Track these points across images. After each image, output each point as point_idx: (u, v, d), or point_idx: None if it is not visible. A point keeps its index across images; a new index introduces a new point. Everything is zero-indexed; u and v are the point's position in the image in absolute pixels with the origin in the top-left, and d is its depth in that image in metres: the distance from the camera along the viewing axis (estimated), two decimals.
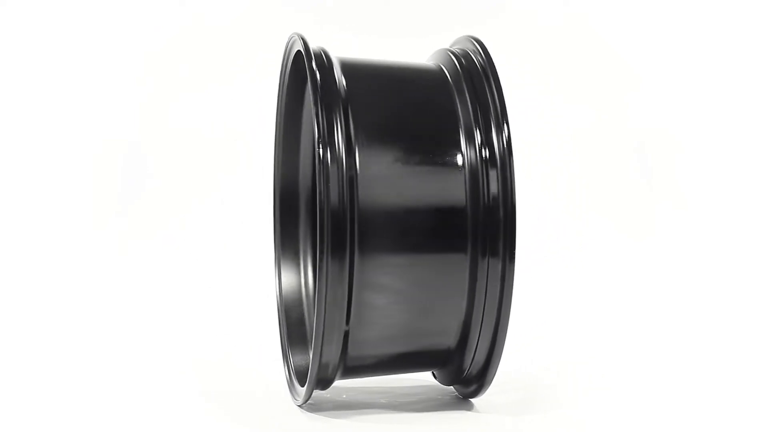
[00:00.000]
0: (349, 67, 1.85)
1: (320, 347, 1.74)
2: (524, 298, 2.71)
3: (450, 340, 1.81)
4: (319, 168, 1.70)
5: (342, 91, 1.79)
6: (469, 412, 1.91)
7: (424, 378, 2.04)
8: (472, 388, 1.89)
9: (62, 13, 3.17)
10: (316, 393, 1.98)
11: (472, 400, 1.93)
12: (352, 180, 1.72)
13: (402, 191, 1.74)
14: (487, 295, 1.74)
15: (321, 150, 1.71)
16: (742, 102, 3.15)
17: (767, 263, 2.96)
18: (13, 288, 2.86)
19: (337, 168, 1.71)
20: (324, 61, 1.83)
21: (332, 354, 1.78)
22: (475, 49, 1.84)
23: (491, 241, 1.72)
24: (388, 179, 1.74)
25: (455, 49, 1.90)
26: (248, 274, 2.75)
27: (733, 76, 3.16)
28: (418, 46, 2.06)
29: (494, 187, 1.73)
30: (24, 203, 3.08)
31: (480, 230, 1.72)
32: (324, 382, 1.86)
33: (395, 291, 1.75)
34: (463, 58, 1.85)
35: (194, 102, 3.08)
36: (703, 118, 3.16)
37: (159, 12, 3.19)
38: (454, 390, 1.98)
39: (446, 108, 1.77)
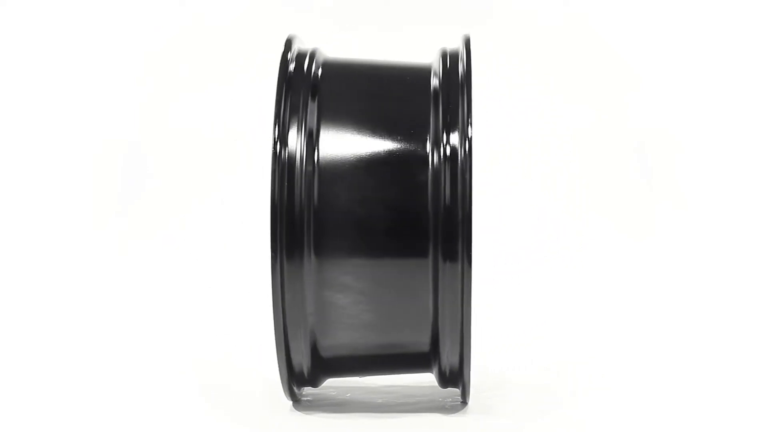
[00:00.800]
0: (331, 66, 1.87)
1: (283, 344, 1.77)
2: (524, 298, 2.71)
3: (424, 342, 1.81)
4: (274, 164, 1.73)
5: (313, 89, 1.81)
6: (468, 413, 1.91)
7: (428, 379, 2.04)
8: (458, 390, 1.90)
9: (62, 13, 3.17)
10: (320, 392, 1.98)
11: (467, 401, 1.93)
12: (311, 177, 1.74)
13: (363, 190, 1.75)
14: (449, 296, 1.74)
15: (275, 146, 1.74)
16: (742, 102, 3.15)
17: (767, 263, 2.95)
18: (13, 288, 2.86)
19: (296, 164, 1.74)
20: (302, 58, 1.85)
21: (301, 352, 1.80)
22: (462, 51, 1.85)
23: (451, 242, 1.71)
24: (349, 178, 1.75)
25: (450, 49, 1.91)
26: (248, 274, 2.75)
27: (733, 76, 3.16)
28: (417, 46, 2.06)
29: (453, 190, 1.72)
30: (24, 203, 3.08)
31: (440, 232, 1.72)
32: (306, 381, 1.86)
33: (358, 291, 1.76)
34: (450, 60, 1.86)
35: (194, 102, 3.08)
36: (703, 118, 3.16)
37: (159, 12, 3.19)
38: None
39: (419, 111, 1.78)
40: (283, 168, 1.74)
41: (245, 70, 3.09)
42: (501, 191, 2.45)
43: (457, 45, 1.94)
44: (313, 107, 1.80)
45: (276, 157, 1.75)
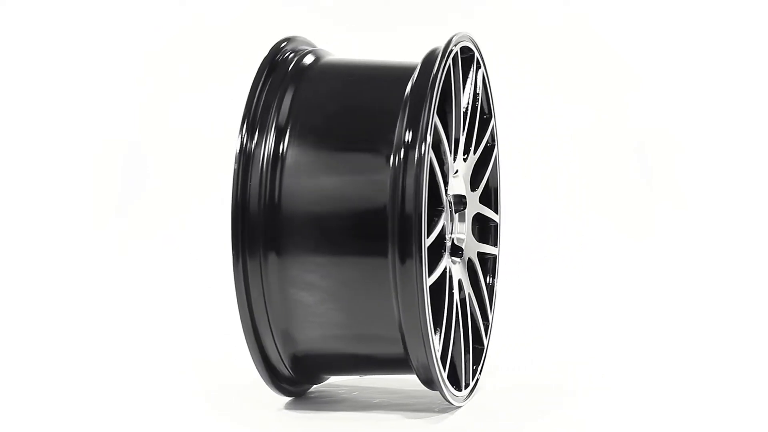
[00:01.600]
0: (314, 68, 1.89)
1: (252, 340, 1.80)
2: (524, 298, 2.71)
3: (396, 343, 1.81)
4: (236, 165, 1.77)
5: (290, 89, 1.84)
6: (468, 413, 1.91)
7: None
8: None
9: (62, 13, 3.17)
10: (323, 390, 1.99)
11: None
12: (273, 176, 1.77)
13: (324, 190, 1.77)
14: (406, 297, 1.74)
15: (240, 146, 1.78)
16: (742, 102, 3.15)
17: (767, 263, 2.96)
18: (13, 287, 2.86)
19: (260, 164, 1.77)
20: (287, 59, 1.89)
21: (272, 350, 1.83)
22: (439, 53, 1.85)
23: (404, 242, 1.71)
24: (311, 177, 1.77)
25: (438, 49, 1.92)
26: None
27: (732, 77, 3.16)
28: (417, 46, 2.06)
29: (408, 192, 1.72)
30: (24, 203, 3.08)
31: (397, 232, 1.72)
32: (291, 378, 1.88)
33: (322, 289, 1.77)
34: (426, 62, 1.86)
35: (194, 102, 3.08)
36: (703, 118, 3.16)
37: (159, 12, 3.19)
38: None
39: (389, 114, 1.78)
40: (245, 167, 1.77)
41: (245, 70, 3.09)
42: (501, 191, 2.44)
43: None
44: (285, 109, 1.82)
45: (238, 157, 1.78)
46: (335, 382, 2.05)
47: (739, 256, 2.98)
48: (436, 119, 1.76)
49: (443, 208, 1.81)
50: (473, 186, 2.03)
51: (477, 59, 1.99)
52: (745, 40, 3.17)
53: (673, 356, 2.31)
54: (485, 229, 2.12)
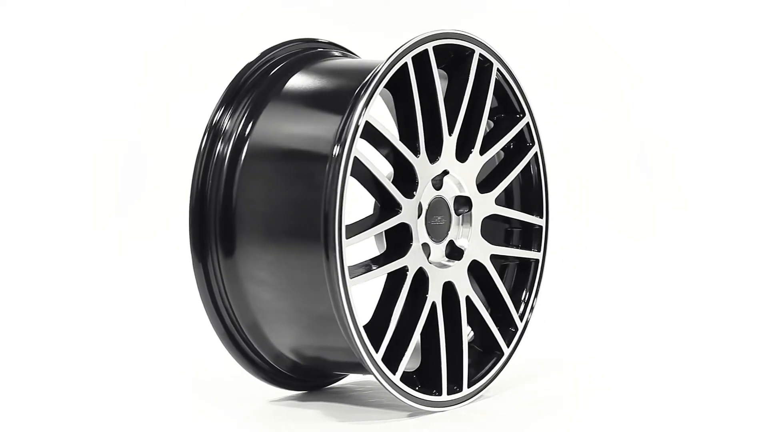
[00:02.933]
0: (286, 70, 1.97)
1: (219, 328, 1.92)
2: None
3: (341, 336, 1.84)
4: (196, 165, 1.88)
5: (262, 87, 1.95)
6: (469, 413, 1.91)
7: None
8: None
9: (62, 14, 3.17)
10: (325, 391, 1.99)
11: (467, 400, 1.94)
12: (229, 176, 1.87)
13: (272, 192, 1.85)
14: (331, 296, 1.77)
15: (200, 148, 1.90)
16: (742, 102, 3.15)
17: (767, 263, 2.96)
18: (13, 287, 2.86)
19: (222, 164, 1.88)
20: (269, 61, 2.00)
21: (243, 340, 1.94)
22: (391, 53, 1.87)
23: (325, 240, 1.75)
24: (261, 177, 1.87)
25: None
26: None
27: (732, 77, 3.16)
28: None
29: (327, 191, 1.75)
30: (24, 203, 3.08)
31: (329, 233, 1.75)
32: (272, 371, 1.95)
33: (274, 286, 1.85)
34: (374, 63, 1.91)
35: (194, 102, 3.08)
36: (703, 118, 3.16)
37: (159, 12, 3.19)
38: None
39: (339, 114, 1.81)
40: (203, 168, 1.89)
41: None
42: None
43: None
44: (247, 110, 1.92)
45: (198, 157, 1.89)
46: (343, 383, 2.06)
47: (739, 256, 2.98)
48: (372, 120, 1.78)
49: (400, 207, 1.83)
50: (487, 187, 2.01)
51: (479, 59, 1.96)
52: (745, 41, 3.17)
53: (673, 356, 2.31)
54: (508, 232, 2.13)
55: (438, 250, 1.94)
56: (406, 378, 1.87)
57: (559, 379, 2.14)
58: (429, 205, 1.91)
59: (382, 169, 1.84)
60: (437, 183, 1.93)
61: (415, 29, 1.96)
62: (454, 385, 1.93)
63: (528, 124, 2.07)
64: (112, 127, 3.13)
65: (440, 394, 1.90)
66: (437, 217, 1.94)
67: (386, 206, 1.85)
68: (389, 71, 1.80)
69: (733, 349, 2.35)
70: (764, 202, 3.08)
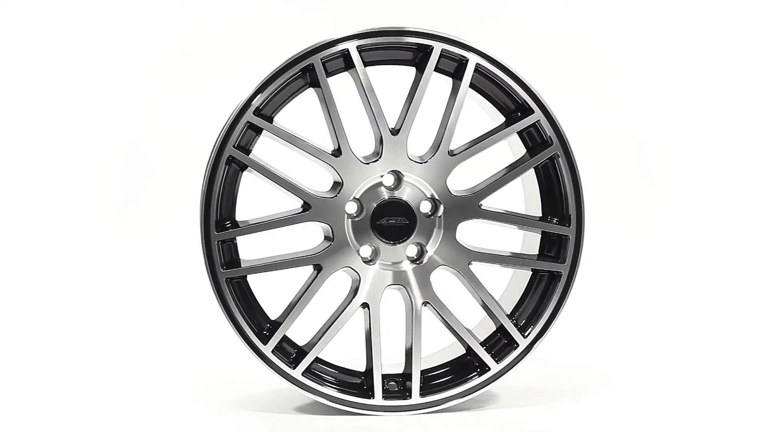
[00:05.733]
0: None
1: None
2: None
3: None
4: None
5: None
6: (469, 413, 1.91)
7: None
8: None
9: (62, 14, 3.17)
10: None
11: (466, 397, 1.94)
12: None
13: None
14: None
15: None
16: (742, 103, 3.15)
17: (766, 263, 2.95)
18: (13, 287, 2.86)
19: None
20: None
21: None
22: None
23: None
24: None
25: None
26: None
27: (733, 77, 3.16)
28: None
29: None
30: (24, 203, 3.08)
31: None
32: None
33: None
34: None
35: (194, 102, 3.08)
36: (703, 118, 3.16)
37: (159, 12, 3.18)
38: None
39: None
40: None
41: (245, 71, 3.09)
42: (501, 191, 2.44)
43: None
44: None
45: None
46: None
47: (739, 256, 2.97)
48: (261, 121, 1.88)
49: (310, 206, 1.89)
50: (472, 190, 1.95)
51: (446, 55, 1.92)
52: (745, 42, 3.17)
53: (673, 356, 2.31)
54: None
55: (393, 252, 1.93)
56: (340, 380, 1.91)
57: (559, 379, 2.14)
58: (378, 205, 1.91)
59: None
60: (392, 184, 1.92)
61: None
62: (393, 388, 1.92)
63: (539, 122, 1.95)
64: (112, 127, 3.13)
65: (369, 396, 1.90)
66: (392, 219, 1.92)
67: (305, 206, 1.90)
68: (284, 72, 1.88)
69: (734, 349, 2.35)
70: (764, 202, 3.08)
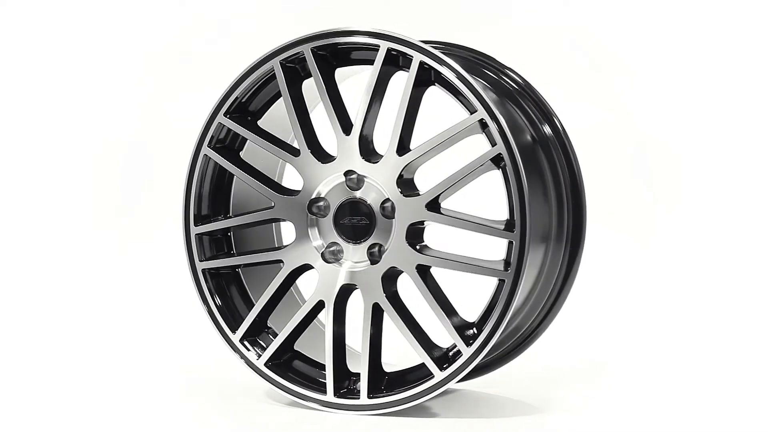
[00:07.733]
0: None
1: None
2: None
3: None
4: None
5: None
6: (469, 413, 1.91)
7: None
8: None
9: (62, 13, 3.17)
10: None
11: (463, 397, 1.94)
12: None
13: None
14: None
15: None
16: (742, 103, 3.15)
17: (766, 263, 2.96)
18: (13, 287, 2.86)
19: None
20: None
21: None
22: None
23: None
24: None
25: None
26: None
27: (733, 77, 3.16)
28: None
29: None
30: (25, 203, 3.08)
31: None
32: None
33: None
34: None
35: (194, 102, 3.08)
36: (703, 118, 3.16)
37: (159, 12, 3.19)
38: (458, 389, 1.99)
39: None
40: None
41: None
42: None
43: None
44: None
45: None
46: None
47: (739, 256, 2.98)
48: (227, 122, 2.04)
49: (273, 204, 1.95)
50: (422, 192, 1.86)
51: (391, 54, 1.86)
52: (745, 42, 3.17)
53: (673, 356, 2.31)
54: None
55: (353, 251, 1.93)
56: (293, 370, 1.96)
57: (560, 379, 2.14)
58: (341, 205, 1.92)
59: None
60: (353, 184, 1.91)
61: (415, 30, 1.96)
62: (342, 388, 1.92)
63: (482, 121, 1.80)
64: (112, 127, 3.13)
65: (325, 393, 1.91)
66: (354, 218, 1.92)
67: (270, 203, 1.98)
68: (248, 76, 2.01)
69: (734, 349, 2.35)
70: (764, 202, 3.08)
